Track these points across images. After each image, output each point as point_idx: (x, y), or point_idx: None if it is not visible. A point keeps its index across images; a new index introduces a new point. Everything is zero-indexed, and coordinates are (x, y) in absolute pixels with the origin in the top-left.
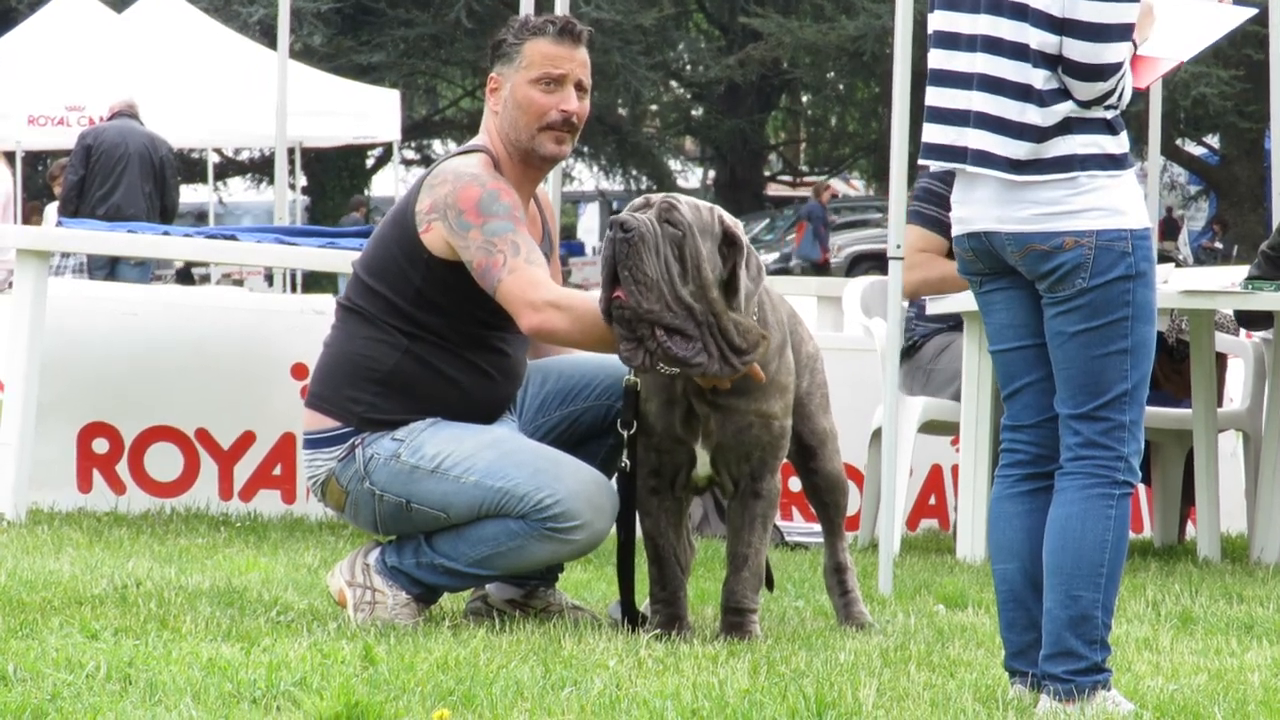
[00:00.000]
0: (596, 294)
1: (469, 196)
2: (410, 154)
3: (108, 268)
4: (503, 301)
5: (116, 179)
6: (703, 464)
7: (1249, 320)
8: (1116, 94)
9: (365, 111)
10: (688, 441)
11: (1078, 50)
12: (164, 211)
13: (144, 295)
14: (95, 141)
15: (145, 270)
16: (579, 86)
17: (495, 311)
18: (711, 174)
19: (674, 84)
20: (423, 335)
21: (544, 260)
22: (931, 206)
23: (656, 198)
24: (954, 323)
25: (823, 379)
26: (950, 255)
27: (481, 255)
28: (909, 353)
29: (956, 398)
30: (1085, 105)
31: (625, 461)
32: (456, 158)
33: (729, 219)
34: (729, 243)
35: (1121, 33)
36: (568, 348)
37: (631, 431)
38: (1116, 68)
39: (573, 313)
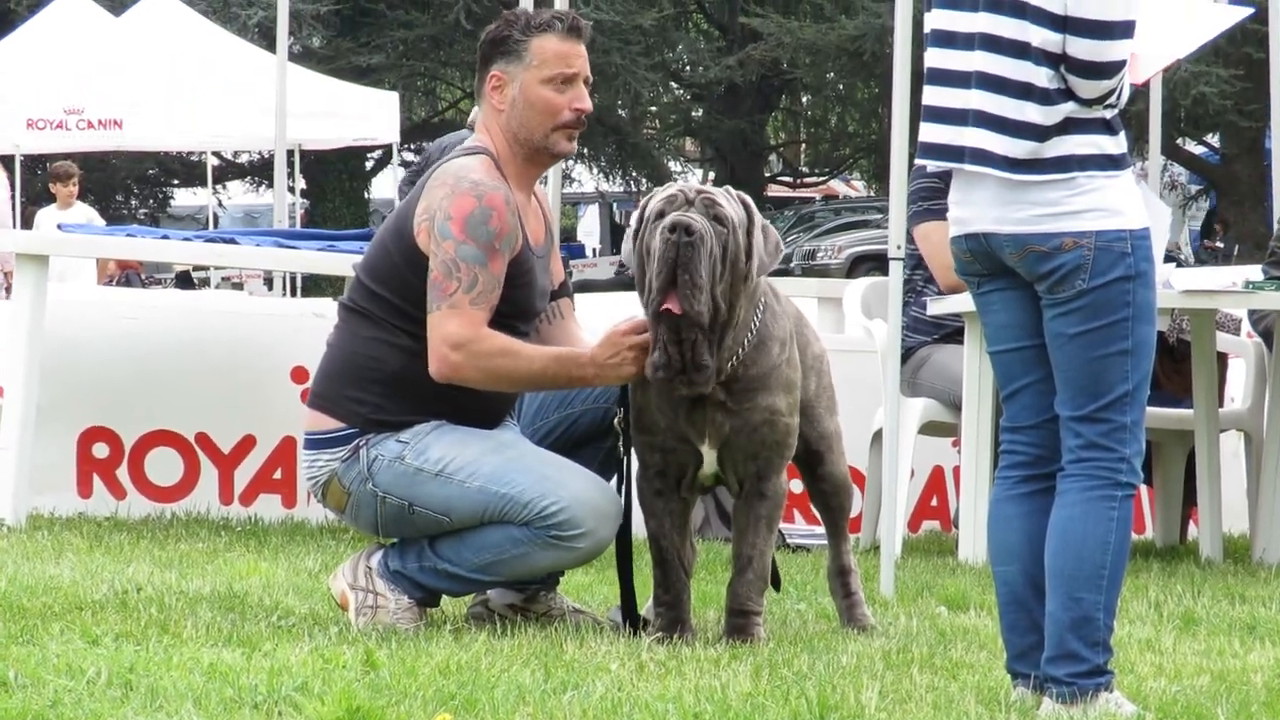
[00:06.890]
0: (519, 344)
1: (461, 207)
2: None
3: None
4: (428, 328)
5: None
6: (709, 462)
7: None
8: (1117, 92)
9: (364, 113)
10: (693, 441)
11: (1082, 48)
12: None
13: (143, 299)
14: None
15: None
16: (585, 82)
17: (497, 315)
18: (711, 175)
19: (674, 85)
20: (426, 336)
21: (494, 303)
22: (943, 200)
23: (691, 191)
24: (939, 335)
25: (829, 381)
26: None
27: (440, 271)
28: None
29: None
30: (1088, 104)
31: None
32: (459, 159)
33: (741, 194)
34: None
35: (1125, 30)
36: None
37: (621, 416)
38: (1120, 65)
39: (480, 369)
